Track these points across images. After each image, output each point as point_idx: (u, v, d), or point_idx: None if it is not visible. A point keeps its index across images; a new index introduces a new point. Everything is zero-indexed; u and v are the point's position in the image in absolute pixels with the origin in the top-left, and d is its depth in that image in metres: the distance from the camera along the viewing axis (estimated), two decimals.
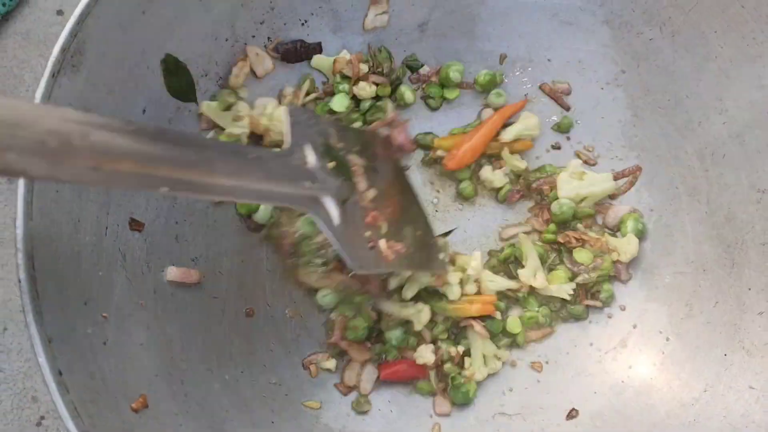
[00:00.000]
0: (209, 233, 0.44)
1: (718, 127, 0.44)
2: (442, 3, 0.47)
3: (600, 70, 0.48)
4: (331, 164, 0.38)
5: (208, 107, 0.44)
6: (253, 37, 0.45)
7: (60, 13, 0.74)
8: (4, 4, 0.69)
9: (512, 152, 0.49)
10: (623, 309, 0.47)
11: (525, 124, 0.48)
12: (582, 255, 0.47)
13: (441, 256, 0.46)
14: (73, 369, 0.31)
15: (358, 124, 0.47)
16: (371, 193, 0.41)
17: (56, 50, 0.33)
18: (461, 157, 0.48)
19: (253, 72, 0.46)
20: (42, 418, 0.62)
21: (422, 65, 0.49)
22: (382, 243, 0.39)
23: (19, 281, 0.31)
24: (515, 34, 0.48)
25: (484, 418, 0.44)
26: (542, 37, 0.48)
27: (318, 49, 0.48)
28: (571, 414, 0.43)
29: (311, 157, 0.37)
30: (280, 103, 0.46)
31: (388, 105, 0.48)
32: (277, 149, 0.40)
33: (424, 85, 0.49)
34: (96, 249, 0.35)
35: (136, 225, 0.38)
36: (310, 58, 0.49)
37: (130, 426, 0.32)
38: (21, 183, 0.32)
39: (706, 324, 0.43)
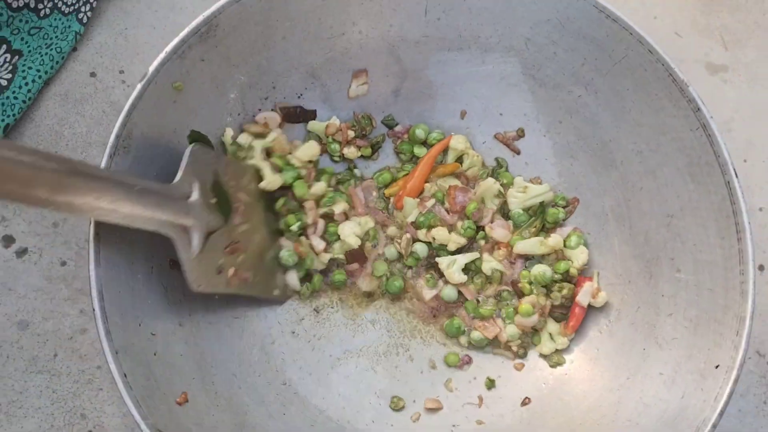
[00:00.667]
0: None
1: (635, 165, 0.52)
2: (410, 74, 0.56)
3: (542, 121, 0.56)
4: (213, 200, 0.46)
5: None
6: (260, 110, 0.54)
7: (93, 75, 0.80)
8: (46, 72, 0.77)
9: (443, 176, 0.57)
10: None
11: (454, 145, 0.57)
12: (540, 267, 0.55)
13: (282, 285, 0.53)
14: (134, 373, 0.40)
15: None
16: (243, 228, 0.49)
17: (112, 138, 0.42)
18: (408, 193, 0.56)
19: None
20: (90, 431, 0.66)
21: (397, 123, 0.58)
22: (231, 270, 0.47)
23: (93, 310, 0.41)
24: (472, 95, 0.57)
25: (455, 407, 0.53)
26: (494, 96, 0.57)
27: (313, 115, 0.57)
28: (525, 402, 0.52)
29: (194, 193, 0.45)
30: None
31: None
32: (164, 184, 0.45)
33: (398, 141, 0.59)
34: (146, 283, 0.45)
35: (174, 264, 0.48)
36: (307, 121, 0.57)
37: (176, 415, 0.41)
38: (91, 238, 0.42)
39: (630, 325, 0.51)
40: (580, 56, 0.52)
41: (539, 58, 0.53)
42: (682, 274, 0.48)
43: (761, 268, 0.79)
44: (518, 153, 0.58)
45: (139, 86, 0.44)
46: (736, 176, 0.45)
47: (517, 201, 0.56)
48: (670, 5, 0.94)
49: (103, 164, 0.43)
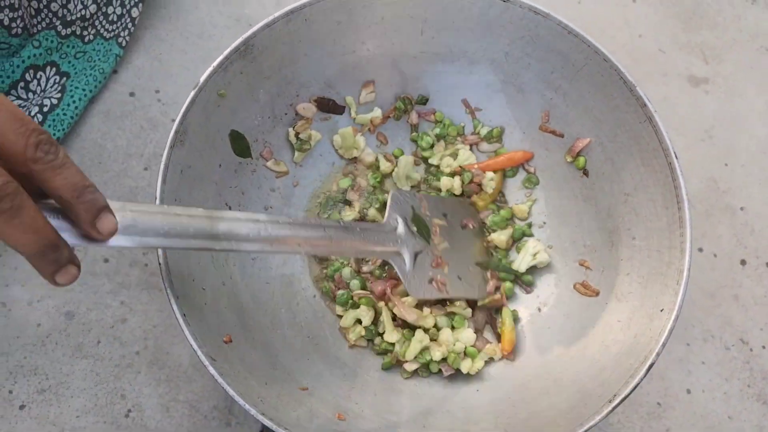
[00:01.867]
0: None
1: (598, 154, 0.61)
2: (410, 83, 0.66)
3: (522, 119, 0.66)
4: (415, 228, 0.58)
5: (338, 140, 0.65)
6: (286, 114, 0.63)
7: (132, 94, 0.85)
8: (90, 91, 0.83)
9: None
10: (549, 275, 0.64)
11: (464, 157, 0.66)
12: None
13: (484, 285, 0.62)
14: (190, 315, 0.48)
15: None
16: (443, 246, 0.60)
17: (172, 133, 0.52)
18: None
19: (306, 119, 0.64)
20: (129, 411, 0.71)
21: (427, 100, 0.67)
22: (438, 279, 0.58)
23: (159, 264, 0.48)
24: (458, 99, 0.66)
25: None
26: (480, 101, 0.66)
27: (342, 110, 0.65)
28: (506, 355, 0.62)
29: (400, 226, 0.57)
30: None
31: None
32: (377, 223, 0.59)
33: (435, 125, 0.67)
34: (197, 252, 0.55)
35: None
36: (338, 114, 0.66)
37: (224, 350, 0.50)
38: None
39: (597, 284, 0.59)
40: (550, 66, 0.61)
41: (517, 69, 0.63)
42: (637, 240, 0.57)
43: (743, 262, 0.87)
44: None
45: (192, 93, 0.54)
46: (676, 158, 0.54)
47: (523, 263, 0.63)
48: (654, 24, 1.02)
49: (164, 155, 0.52)
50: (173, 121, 0.85)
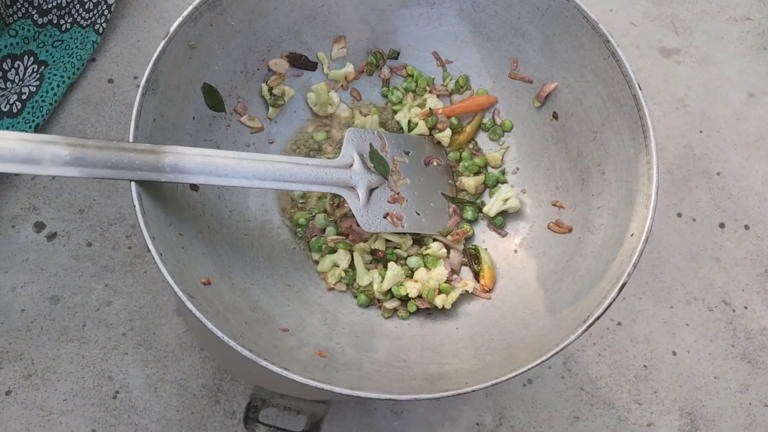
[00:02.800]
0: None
1: (566, 95, 0.62)
2: (381, 37, 0.67)
3: (492, 68, 0.67)
4: (371, 164, 0.59)
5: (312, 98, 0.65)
6: (258, 69, 0.64)
7: (111, 81, 0.87)
8: (69, 78, 0.84)
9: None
10: (523, 218, 0.65)
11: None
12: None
13: (446, 222, 0.64)
14: (167, 255, 0.48)
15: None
16: (401, 182, 0.62)
17: (143, 81, 0.52)
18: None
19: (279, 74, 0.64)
20: (117, 392, 0.72)
21: (398, 54, 0.68)
22: (394, 214, 0.59)
23: (134, 206, 0.48)
24: (429, 52, 0.68)
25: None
26: (451, 52, 0.67)
27: (315, 66, 0.66)
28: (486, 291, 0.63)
29: (356, 162, 0.58)
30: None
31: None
32: (330, 159, 0.60)
33: (405, 78, 0.68)
34: (172, 196, 0.54)
35: (194, 187, 0.59)
36: (310, 70, 0.66)
37: (202, 290, 0.50)
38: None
39: (570, 221, 0.60)
40: (516, 12, 0.62)
41: (483, 17, 0.64)
42: (607, 174, 0.58)
43: (722, 225, 0.89)
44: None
45: (162, 42, 0.55)
46: (640, 89, 0.56)
47: (493, 207, 0.64)
48: None
49: (136, 102, 0.53)
50: None
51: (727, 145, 0.96)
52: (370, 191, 0.58)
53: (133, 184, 0.50)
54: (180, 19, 0.55)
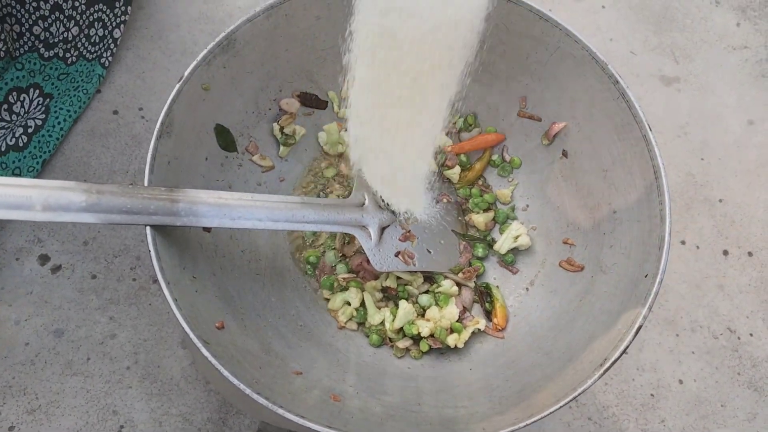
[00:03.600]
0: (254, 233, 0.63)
1: (575, 134, 0.63)
2: None
3: (500, 107, 0.67)
4: (384, 202, 0.59)
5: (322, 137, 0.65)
6: (270, 109, 0.64)
7: (116, 112, 0.87)
8: (75, 111, 0.84)
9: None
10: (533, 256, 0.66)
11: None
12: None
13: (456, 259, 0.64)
14: (182, 300, 0.48)
15: None
16: (413, 219, 0.61)
17: (158, 124, 0.52)
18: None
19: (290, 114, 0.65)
20: (122, 426, 0.72)
21: None
22: (405, 252, 0.59)
23: (150, 251, 0.48)
24: None
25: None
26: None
27: (325, 104, 0.66)
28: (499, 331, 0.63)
29: (367, 201, 0.58)
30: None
31: None
32: (341, 198, 0.60)
33: None
34: (184, 238, 0.54)
35: (206, 228, 0.59)
36: (320, 108, 0.66)
37: (216, 335, 0.50)
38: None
39: (581, 260, 0.61)
40: (524, 52, 0.63)
41: (492, 56, 0.64)
42: (618, 213, 0.58)
43: (725, 252, 0.89)
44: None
45: (177, 85, 0.55)
46: (650, 130, 0.56)
47: (504, 244, 0.64)
48: (624, 28, 1.06)
49: (151, 146, 0.53)
50: None
51: (728, 173, 0.96)
52: (382, 230, 0.58)
53: (148, 228, 0.50)
54: (194, 62, 0.56)
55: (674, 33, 1.08)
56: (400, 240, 0.60)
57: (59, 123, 0.84)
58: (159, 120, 0.54)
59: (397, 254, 0.59)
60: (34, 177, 0.82)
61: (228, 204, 0.51)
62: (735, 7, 1.10)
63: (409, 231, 0.61)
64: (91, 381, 0.74)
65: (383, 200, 0.59)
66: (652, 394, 0.82)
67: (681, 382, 0.83)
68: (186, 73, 0.55)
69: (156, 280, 0.77)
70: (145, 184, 0.51)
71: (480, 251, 0.65)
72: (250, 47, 0.60)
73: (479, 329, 0.60)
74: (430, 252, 0.61)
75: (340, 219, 0.56)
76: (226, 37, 0.57)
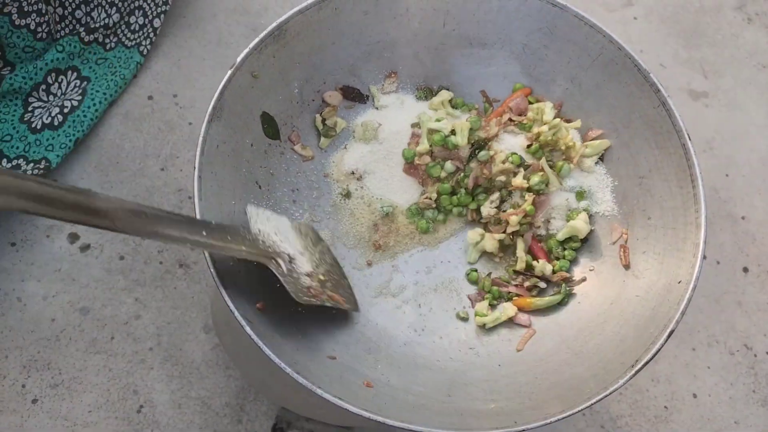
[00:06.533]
0: None
1: (613, 140, 0.63)
2: (431, 74, 0.68)
3: None
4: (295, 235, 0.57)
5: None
6: (313, 100, 0.65)
7: (150, 98, 0.90)
8: (111, 95, 0.86)
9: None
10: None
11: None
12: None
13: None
14: (226, 280, 0.50)
15: None
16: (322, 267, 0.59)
17: (210, 108, 0.54)
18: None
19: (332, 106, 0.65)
20: (141, 406, 0.73)
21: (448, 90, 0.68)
22: (315, 288, 0.56)
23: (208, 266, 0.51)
24: (477, 90, 0.69)
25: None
26: (499, 92, 0.68)
27: (365, 99, 0.67)
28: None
29: (272, 235, 0.55)
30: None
31: None
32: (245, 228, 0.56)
33: None
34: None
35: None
36: (362, 102, 0.67)
37: (257, 316, 0.51)
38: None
39: (612, 266, 0.61)
40: (566, 56, 0.64)
41: (534, 60, 0.66)
42: (652, 220, 0.59)
43: (745, 269, 0.90)
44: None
45: (229, 72, 0.57)
46: (690, 139, 0.57)
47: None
48: (655, 41, 1.07)
49: (203, 129, 0.54)
50: (190, 124, 0.88)
51: (752, 190, 0.97)
52: (290, 260, 0.56)
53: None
54: (246, 49, 0.57)
55: (704, 48, 1.09)
56: (306, 275, 0.57)
57: (95, 105, 0.86)
58: (211, 104, 0.55)
59: (308, 289, 0.56)
60: (66, 154, 0.83)
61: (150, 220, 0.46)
62: (767, 25, 1.11)
63: (313, 271, 0.58)
64: (113, 360, 0.76)
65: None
66: (665, 407, 0.82)
67: (695, 396, 0.83)
68: (238, 60, 0.57)
69: (182, 264, 0.78)
70: (196, 165, 0.53)
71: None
72: (299, 38, 0.61)
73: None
74: (336, 288, 0.59)
75: (251, 249, 0.53)
76: (278, 27, 0.59)
